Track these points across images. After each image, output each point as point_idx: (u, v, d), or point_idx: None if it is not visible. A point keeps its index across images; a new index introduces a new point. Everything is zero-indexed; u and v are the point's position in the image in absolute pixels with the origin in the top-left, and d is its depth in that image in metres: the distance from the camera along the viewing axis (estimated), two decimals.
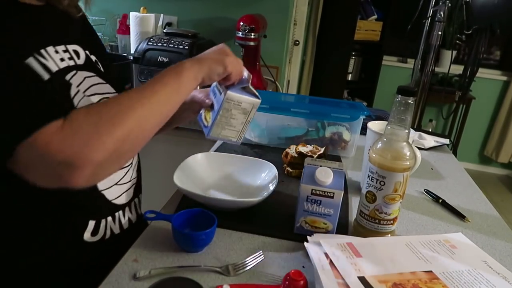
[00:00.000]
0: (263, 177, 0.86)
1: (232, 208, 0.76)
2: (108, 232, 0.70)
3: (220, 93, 0.73)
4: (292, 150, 0.99)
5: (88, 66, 0.69)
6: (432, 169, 1.12)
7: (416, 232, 0.78)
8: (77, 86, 0.63)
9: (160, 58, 1.69)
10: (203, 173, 0.87)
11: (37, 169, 0.52)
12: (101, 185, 0.67)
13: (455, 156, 1.30)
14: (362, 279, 0.56)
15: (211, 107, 0.77)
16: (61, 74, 0.61)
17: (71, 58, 0.65)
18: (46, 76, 0.57)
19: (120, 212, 0.73)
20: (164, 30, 1.89)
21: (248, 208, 0.76)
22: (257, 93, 0.75)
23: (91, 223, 0.67)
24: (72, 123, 0.51)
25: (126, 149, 0.55)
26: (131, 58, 1.73)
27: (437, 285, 0.57)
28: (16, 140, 0.49)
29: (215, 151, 1.09)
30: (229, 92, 0.71)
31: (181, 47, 1.69)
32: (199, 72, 0.65)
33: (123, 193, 0.73)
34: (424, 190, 0.96)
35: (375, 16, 3.23)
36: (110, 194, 0.69)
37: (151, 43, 1.72)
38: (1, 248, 0.63)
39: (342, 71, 3.10)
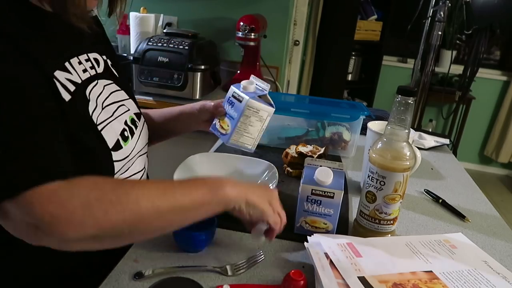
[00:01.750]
0: (263, 177, 0.86)
1: None
2: None
3: (240, 101, 0.76)
4: (292, 150, 0.99)
5: (106, 73, 0.70)
6: (432, 169, 1.12)
7: (416, 232, 0.78)
8: (96, 98, 0.64)
9: (160, 58, 1.69)
10: (203, 173, 0.87)
11: (12, 220, 0.49)
12: None
13: (455, 156, 1.30)
14: (362, 279, 0.56)
15: (224, 115, 0.80)
16: (83, 87, 0.61)
17: (92, 67, 0.66)
18: (67, 96, 0.57)
19: None
20: (164, 30, 1.89)
21: None
22: (272, 102, 0.78)
23: None
24: (72, 194, 0.47)
25: (109, 241, 0.51)
26: (131, 58, 1.73)
27: (437, 285, 0.57)
28: (4, 196, 0.46)
29: (215, 151, 1.09)
30: (250, 100, 0.74)
31: (181, 47, 1.69)
32: (235, 203, 0.58)
33: None
34: (424, 190, 0.96)
35: (375, 16, 3.23)
36: None
37: (151, 43, 1.72)
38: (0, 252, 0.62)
39: (342, 71, 3.10)
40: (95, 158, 0.61)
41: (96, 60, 0.69)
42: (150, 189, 0.52)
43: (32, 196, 0.45)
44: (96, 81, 0.66)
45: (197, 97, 1.72)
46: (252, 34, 1.79)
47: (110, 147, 0.63)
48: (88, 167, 0.57)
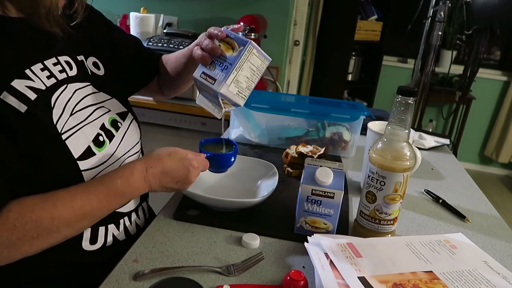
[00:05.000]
0: (263, 177, 0.86)
1: (232, 208, 0.76)
2: (110, 239, 0.69)
3: (243, 43, 0.66)
4: (292, 150, 0.99)
5: (81, 75, 0.67)
6: (432, 169, 1.12)
7: (416, 232, 0.78)
8: (64, 105, 0.61)
9: None
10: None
11: None
12: None
13: (455, 156, 1.30)
14: (362, 279, 0.56)
15: (214, 61, 0.68)
16: (47, 94, 0.59)
17: (62, 70, 0.64)
18: (23, 108, 0.55)
19: (126, 218, 0.73)
20: (164, 31, 1.89)
21: (248, 208, 0.76)
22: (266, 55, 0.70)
23: (87, 231, 0.65)
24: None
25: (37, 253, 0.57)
26: None
27: (437, 285, 0.57)
28: None
29: None
30: (253, 42, 0.66)
31: (181, 47, 1.69)
32: (152, 191, 0.67)
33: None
34: (424, 190, 0.96)
35: (375, 16, 3.23)
36: None
37: (151, 44, 1.72)
38: None
39: (342, 71, 3.10)
40: (57, 169, 0.59)
41: (67, 63, 0.66)
42: (69, 218, 0.57)
43: None
44: (65, 86, 0.63)
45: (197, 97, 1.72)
46: (252, 34, 1.79)
47: (76, 156, 0.61)
48: (50, 179, 0.58)
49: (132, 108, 0.80)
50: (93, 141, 0.64)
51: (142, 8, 2.00)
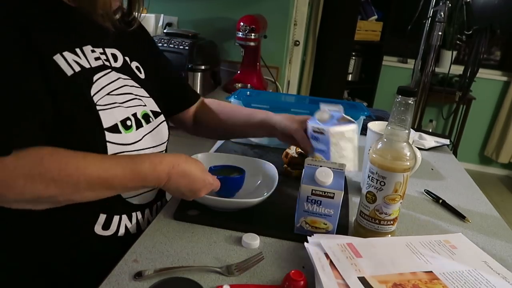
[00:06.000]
0: (263, 177, 0.86)
1: (232, 208, 0.76)
2: (122, 230, 0.71)
3: (323, 134, 0.76)
4: (292, 150, 0.99)
5: (124, 69, 0.74)
6: (432, 169, 1.12)
7: (416, 232, 0.78)
8: (104, 85, 0.67)
9: None
10: None
11: None
12: None
13: (455, 156, 1.30)
14: (362, 280, 0.56)
15: (314, 151, 0.80)
16: (91, 72, 0.65)
17: (107, 60, 0.71)
18: (70, 71, 0.61)
19: (138, 213, 0.74)
20: (165, 31, 1.90)
21: (248, 208, 0.76)
22: (351, 118, 0.79)
23: (102, 216, 0.68)
24: (17, 165, 0.52)
25: (45, 205, 0.59)
26: None
27: (437, 286, 0.57)
28: None
29: (215, 151, 1.09)
30: (330, 128, 0.74)
31: (181, 47, 1.70)
32: (163, 187, 0.67)
33: (141, 194, 0.74)
34: (424, 190, 0.96)
35: (375, 16, 3.23)
36: (125, 193, 0.71)
37: None
38: (13, 235, 0.64)
39: (342, 71, 3.10)
40: (86, 134, 0.62)
41: (113, 55, 0.73)
42: (91, 174, 0.57)
43: None
44: (109, 71, 0.69)
45: None
46: (253, 34, 1.79)
47: (105, 126, 0.64)
48: (78, 142, 0.60)
49: (165, 114, 0.83)
50: (121, 121, 0.67)
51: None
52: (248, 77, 1.94)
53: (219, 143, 1.16)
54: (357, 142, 0.78)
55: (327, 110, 0.81)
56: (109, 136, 0.64)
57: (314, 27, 2.76)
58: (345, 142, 0.76)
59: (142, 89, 0.76)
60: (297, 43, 2.42)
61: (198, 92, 1.74)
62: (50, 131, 0.57)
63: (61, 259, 0.67)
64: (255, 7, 2.03)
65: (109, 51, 0.72)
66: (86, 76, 0.64)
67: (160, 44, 1.71)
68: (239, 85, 1.92)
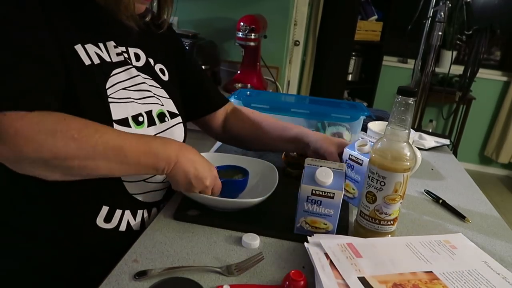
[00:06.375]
0: (263, 177, 0.86)
1: (232, 208, 0.76)
2: (124, 224, 0.71)
3: (361, 165, 0.76)
4: None
5: (146, 69, 0.76)
6: (432, 169, 1.12)
7: (417, 232, 0.78)
8: (121, 80, 0.68)
9: None
10: None
11: None
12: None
13: (455, 156, 1.30)
14: (362, 280, 0.56)
15: (346, 179, 0.80)
16: (111, 66, 0.67)
17: (129, 58, 0.73)
18: (88, 61, 0.63)
19: (145, 210, 0.75)
20: None
21: (248, 208, 0.76)
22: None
23: (104, 209, 0.68)
24: (41, 119, 0.53)
25: (58, 173, 0.57)
26: None
27: (437, 286, 0.57)
28: None
29: (215, 151, 1.09)
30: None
31: None
32: (170, 173, 0.66)
33: (149, 192, 0.74)
34: (425, 190, 0.96)
35: (375, 16, 3.23)
36: (132, 188, 0.71)
37: None
38: (16, 226, 0.65)
39: (342, 71, 3.10)
40: (97, 121, 0.62)
41: (136, 55, 0.75)
42: (109, 138, 0.57)
43: (7, 115, 0.50)
44: (130, 67, 0.71)
45: None
46: (253, 34, 1.79)
47: (114, 118, 0.65)
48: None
49: (185, 117, 0.83)
50: (132, 116, 0.68)
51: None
52: (248, 77, 1.94)
53: (219, 143, 1.16)
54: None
55: (368, 141, 0.79)
56: (117, 127, 0.65)
57: (314, 27, 2.76)
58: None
59: (163, 90, 0.78)
60: (297, 43, 2.42)
61: None
62: (59, 107, 0.58)
63: (62, 250, 0.67)
64: (255, 7, 2.03)
65: (132, 50, 0.74)
66: (105, 69, 0.66)
67: None
68: (239, 85, 1.92)
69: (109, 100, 0.65)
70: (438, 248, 0.68)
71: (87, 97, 0.62)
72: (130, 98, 0.69)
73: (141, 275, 0.58)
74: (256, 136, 0.94)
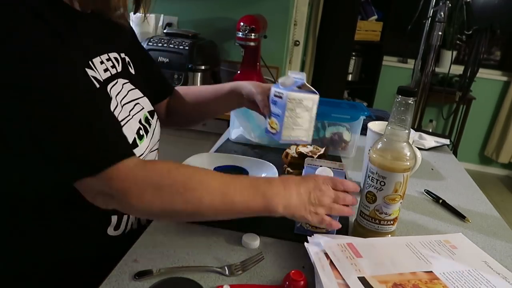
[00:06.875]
0: (263, 177, 0.86)
1: None
2: (129, 227, 0.72)
3: (281, 98, 0.75)
4: (292, 151, 0.99)
5: (124, 72, 0.72)
6: (432, 169, 1.12)
7: (417, 232, 0.78)
8: (116, 96, 0.65)
9: (160, 59, 1.69)
10: None
11: (91, 191, 0.55)
12: None
13: (456, 156, 1.30)
14: (362, 280, 0.56)
15: (271, 115, 0.79)
16: (105, 85, 0.64)
17: (113, 66, 0.68)
18: (97, 85, 0.60)
19: None
20: (165, 31, 1.90)
21: None
22: (314, 90, 0.77)
23: (114, 218, 0.68)
24: (146, 175, 0.54)
25: (166, 219, 0.64)
26: None
27: (437, 286, 0.57)
28: (87, 173, 0.52)
29: (215, 151, 1.09)
30: (289, 93, 0.74)
31: (181, 47, 1.70)
32: (281, 210, 0.62)
33: None
34: (425, 190, 0.96)
35: (375, 16, 3.23)
36: None
37: (151, 44, 1.72)
38: (26, 240, 0.64)
39: (342, 71, 3.10)
40: None
41: (116, 59, 0.71)
42: (214, 189, 0.58)
43: (112, 172, 0.52)
44: (116, 80, 0.68)
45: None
46: (253, 34, 1.79)
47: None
48: None
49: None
50: (136, 133, 0.67)
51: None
52: (248, 77, 1.94)
53: (219, 143, 1.16)
54: (315, 114, 0.78)
55: (292, 76, 0.79)
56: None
57: (314, 27, 2.76)
58: (302, 110, 0.76)
59: (137, 90, 0.75)
60: (297, 43, 2.42)
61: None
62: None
63: (73, 258, 0.67)
64: (255, 7, 2.03)
65: (111, 55, 0.70)
66: (104, 91, 0.63)
67: (160, 44, 1.71)
68: None
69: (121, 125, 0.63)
70: (438, 248, 0.68)
71: (113, 131, 0.59)
72: (128, 116, 0.66)
73: (141, 275, 0.58)
74: (195, 106, 0.92)
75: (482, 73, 3.23)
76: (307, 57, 2.82)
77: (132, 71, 0.77)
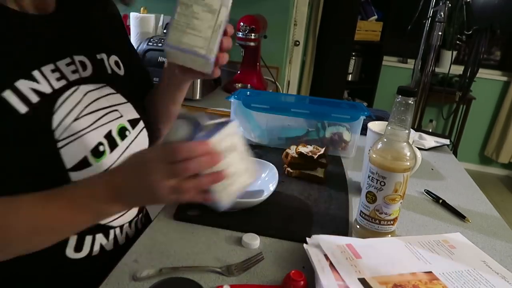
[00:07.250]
0: (263, 177, 0.86)
1: (232, 208, 0.76)
2: (97, 249, 0.65)
3: None
4: (292, 151, 0.99)
5: (95, 77, 0.64)
6: (432, 169, 1.12)
7: (417, 232, 0.78)
8: (70, 110, 0.57)
9: (160, 59, 1.69)
10: None
11: None
12: None
13: (455, 156, 1.30)
14: (362, 281, 0.56)
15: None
16: (53, 97, 0.56)
17: (75, 71, 0.61)
18: (23, 109, 0.52)
19: (117, 229, 0.69)
20: (165, 31, 1.89)
21: (248, 208, 0.76)
22: None
23: (73, 238, 0.62)
24: None
25: None
26: None
27: (437, 286, 0.57)
28: None
29: None
30: None
31: None
32: (120, 209, 0.56)
33: (120, 216, 0.68)
34: (425, 190, 0.96)
35: (375, 17, 3.23)
36: None
37: (151, 44, 1.72)
38: None
39: (342, 71, 3.10)
40: (47, 177, 0.55)
41: (82, 63, 0.63)
42: (22, 233, 0.50)
43: None
44: (76, 87, 0.60)
45: (197, 97, 1.72)
46: (253, 34, 1.78)
47: (69, 167, 0.57)
48: (42, 186, 0.52)
49: (146, 115, 0.75)
50: (91, 150, 0.59)
51: (142, 8, 2.00)
52: (248, 77, 1.94)
53: None
54: (224, 24, 0.61)
55: None
56: (74, 175, 0.57)
57: (314, 27, 2.76)
58: (203, 9, 0.57)
59: (118, 94, 0.67)
60: (297, 43, 2.42)
61: (198, 92, 1.75)
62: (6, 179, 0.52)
63: (27, 277, 0.61)
64: (255, 7, 2.03)
65: (77, 58, 0.62)
66: (46, 105, 0.55)
67: (160, 45, 1.71)
68: (239, 85, 1.92)
69: (58, 145, 0.55)
70: (437, 248, 0.68)
71: (32, 155, 0.53)
72: (84, 129, 0.59)
73: (141, 275, 0.58)
74: (153, 97, 0.81)
75: (482, 73, 3.24)
76: (307, 57, 2.82)
77: (121, 72, 0.71)
